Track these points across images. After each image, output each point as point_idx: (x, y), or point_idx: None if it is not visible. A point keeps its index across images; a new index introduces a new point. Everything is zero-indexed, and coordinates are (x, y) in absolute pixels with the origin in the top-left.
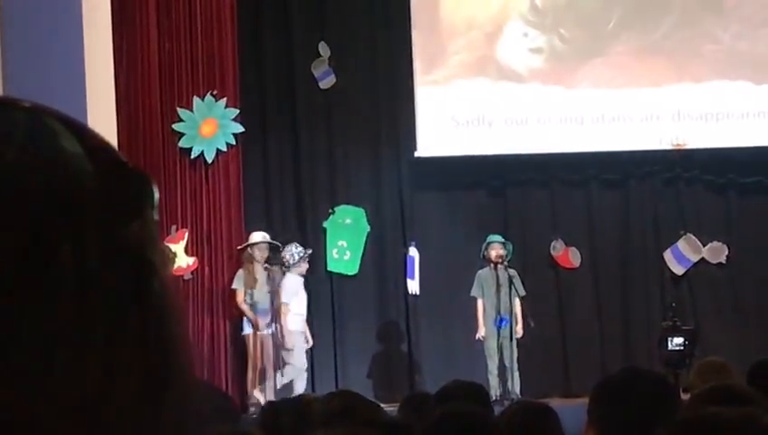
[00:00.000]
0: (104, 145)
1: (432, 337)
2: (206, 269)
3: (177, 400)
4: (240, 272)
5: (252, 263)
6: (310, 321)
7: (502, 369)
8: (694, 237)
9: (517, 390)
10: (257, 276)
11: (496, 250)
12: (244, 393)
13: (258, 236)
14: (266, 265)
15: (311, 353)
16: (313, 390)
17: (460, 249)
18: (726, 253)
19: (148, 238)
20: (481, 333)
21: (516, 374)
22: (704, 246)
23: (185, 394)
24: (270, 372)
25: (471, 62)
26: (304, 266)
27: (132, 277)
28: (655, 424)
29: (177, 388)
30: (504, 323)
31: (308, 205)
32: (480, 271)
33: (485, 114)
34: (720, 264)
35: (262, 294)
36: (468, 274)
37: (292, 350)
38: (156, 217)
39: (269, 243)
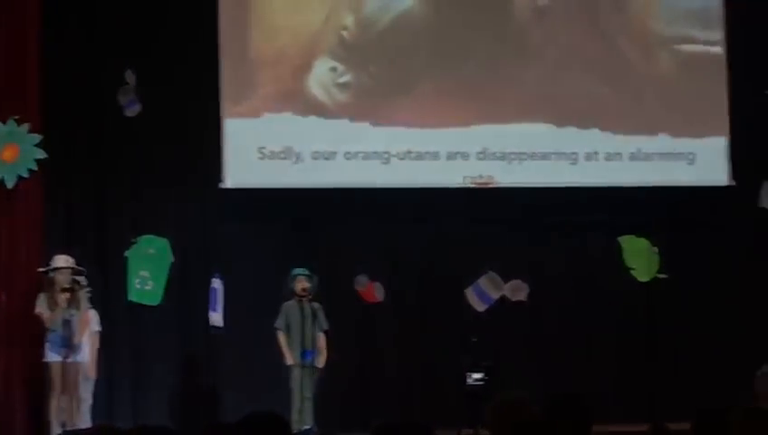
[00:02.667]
0: None
1: (236, 369)
2: (3, 296)
3: None
4: (41, 296)
5: (53, 287)
6: (108, 351)
7: (304, 400)
8: (495, 275)
9: (310, 422)
10: (59, 301)
11: (302, 283)
12: (44, 422)
13: (61, 261)
14: (67, 291)
15: (109, 384)
16: (111, 421)
17: (266, 281)
18: (527, 291)
19: None
20: (289, 361)
21: (310, 405)
22: (505, 283)
23: None
24: (71, 401)
25: (279, 95)
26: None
27: None
28: None
29: None
30: (308, 356)
31: (111, 234)
32: (285, 303)
33: (293, 147)
34: (520, 301)
35: (60, 320)
36: (274, 306)
37: (92, 380)
38: None
39: (72, 268)
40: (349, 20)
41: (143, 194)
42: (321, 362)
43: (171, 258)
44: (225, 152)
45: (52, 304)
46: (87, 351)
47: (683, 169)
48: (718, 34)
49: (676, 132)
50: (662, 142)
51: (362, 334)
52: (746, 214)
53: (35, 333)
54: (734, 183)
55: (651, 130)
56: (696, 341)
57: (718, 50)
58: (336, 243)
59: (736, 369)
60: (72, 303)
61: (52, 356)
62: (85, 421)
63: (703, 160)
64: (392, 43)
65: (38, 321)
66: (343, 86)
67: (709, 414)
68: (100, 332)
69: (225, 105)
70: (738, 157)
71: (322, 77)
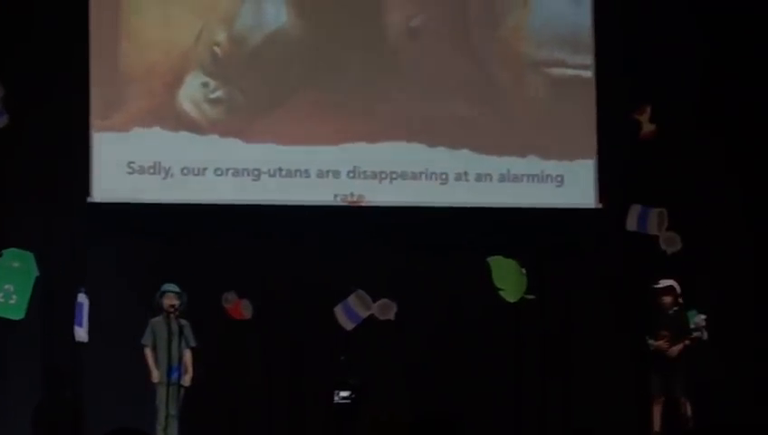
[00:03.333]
0: None
1: (102, 384)
2: None
3: None
4: None
5: None
6: None
7: (168, 417)
8: (364, 293)
9: None
10: None
11: (170, 300)
12: None
13: None
14: None
15: None
16: None
17: (134, 297)
18: (395, 310)
19: None
20: (155, 378)
21: (175, 423)
22: (374, 302)
23: None
24: None
25: (149, 110)
26: None
27: None
28: None
29: None
30: (174, 372)
31: None
32: (153, 319)
33: (162, 162)
34: (389, 320)
35: None
36: (142, 322)
37: None
38: None
39: None
40: (221, 36)
41: (8, 207)
42: (186, 380)
43: (36, 272)
44: (93, 166)
45: None
46: None
47: (551, 190)
48: (588, 59)
49: (546, 155)
50: (531, 164)
51: (229, 352)
52: (614, 236)
53: None
54: (601, 206)
55: (521, 152)
56: (563, 361)
57: (588, 74)
58: (205, 259)
59: (603, 389)
60: None
61: None
62: None
63: (571, 183)
64: (265, 59)
65: None
66: (215, 102)
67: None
68: None
69: (94, 119)
70: (606, 180)
71: (194, 92)
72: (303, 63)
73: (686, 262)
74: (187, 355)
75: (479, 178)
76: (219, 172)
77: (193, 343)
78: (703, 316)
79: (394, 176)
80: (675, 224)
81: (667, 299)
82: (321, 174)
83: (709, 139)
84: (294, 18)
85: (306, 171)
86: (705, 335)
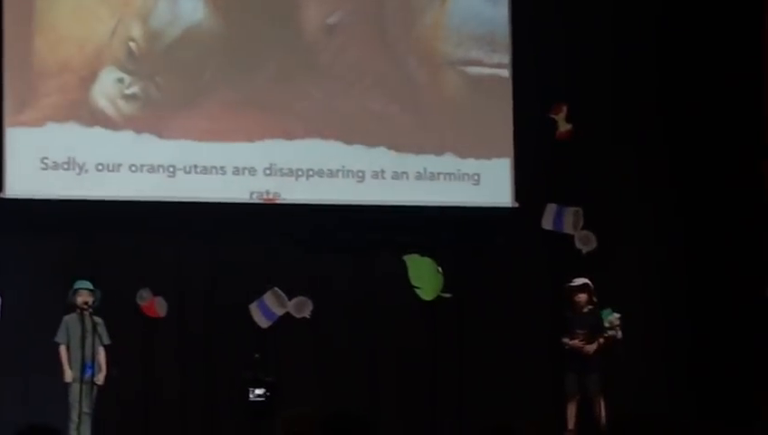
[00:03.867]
0: None
1: (12, 383)
2: None
3: None
4: None
5: None
6: None
7: (82, 415)
8: (280, 291)
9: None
10: None
11: (83, 297)
12: None
13: None
14: None
15: None
16: None
17: (47, 294)
18: (311, 308)
19: None
20: (68, 377)
21: (88, 420)
22: (289, 300)
23: None
24: None
25: (63, 105)
26: None
27: None
28: None
29: None
30: (88, 370)
31: None
32: (66, 317)
33: (76, 158)
34: (305, 318)
35: None
36: (54, 319)
37: None
38: None
39: None
40: (136, 31)
41: None
42: (100, 378)
43: None
44: (6, 162)
45: None
46: None
47: (468, 189)
48: (505, 58)
49: (463, 153)
50: (448, 162)
51: (143, 350)
52: (530, 235)
53: None
54: (517, 205)
55: (438, 151)
56: (479, 359)
57: (505, 73)
58: (119, 256)
59: (518, 387)
60: None
61: None
62: None
63: (488, 181)
64: (181, 55)
65: None
66: (130, 98)
67: (493, 432)
68: None
69: (8, 114)
70: (522, 179)
71: (109, 88)
72: (220, 59)
73: (600, 261)
74: (101, 353)
75: (396, 175)
76: (134, 169)
77: (107, 341)
78: (617, 315)
79: (311, 173)
80: (590, 223)
81: (582, 297)
82: (236, 171)
83: (624, 139)
84: (211, 14)
85: (222, 168)
86: (620, 334)
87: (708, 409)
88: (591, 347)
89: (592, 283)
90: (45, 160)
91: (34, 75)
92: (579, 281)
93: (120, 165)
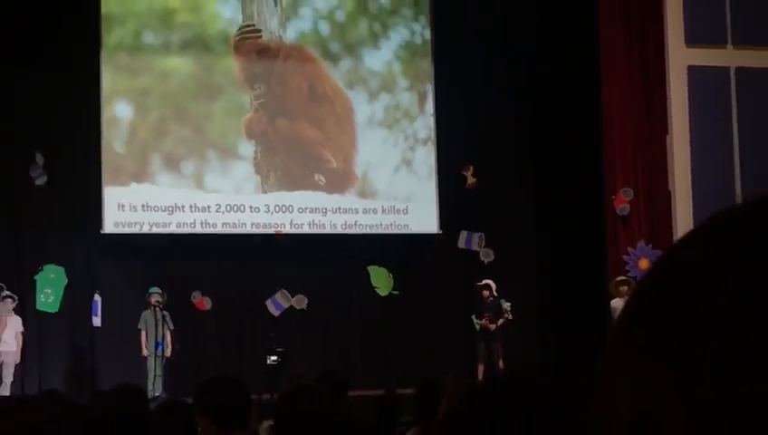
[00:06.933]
0: None
1: (109, 355)
2: None
3: None
4: None
5: None
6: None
7: (156, 377)
8: (286, 291)
9: (159, 390)
10: None
11: (155, 297)
12: None
13: None
14: None
15: (24, 363)
16: (24, 386)
17: (131, 296)
18: (307, 302)
19: None
20: (145, 352)
21: (160, 380)
22: (292, 297)
23: None
24: None
25: (140, 171)
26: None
27: None
28: None
29: None
30: (159, 346)
31: (23, 264)
32: (144, 311)
33: (149, 203)
34: (302, 309)
35: None
36: (136, 313)
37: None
38: None
39: None
40: None
41: (48, 236)
42: (168, 352)
43: (66, 280)
44: (104, 208)
45: None
46: (12, 344)
47: (409, 220)
48: (432, 134)
49: (405, 198)
50: (395, 204)
51: (196, 332)
52: (449, 251)
53: None
54: (441, 231)
55: (388, 197)
56: (417, 334)
57: (431, 146)
58: (179, 270)
59: (444, 353)
60: None
61: None
62: (5, 392)
63: (421, 216)
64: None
65: None
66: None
67: (427, 382)
68: (22, 332)
69: (105, 178)
70: (443, 213)
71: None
72: None
73: (497, 267)
74: (168, 335)
75: (365, 211)
76: (188, 210)
77: (172, 327)
78: (509, 303)
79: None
80: (490, 242)
81: (486, 292)
82: (254, 210)
83: (514, 186)
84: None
85: (242, 207)
86: (511, 316)
87: (568, 368)
88: (493, 325)
89: (493, 282)
90: (129, 207)
91: (121, 154)
92: (484, 281)
93: (179, 207)
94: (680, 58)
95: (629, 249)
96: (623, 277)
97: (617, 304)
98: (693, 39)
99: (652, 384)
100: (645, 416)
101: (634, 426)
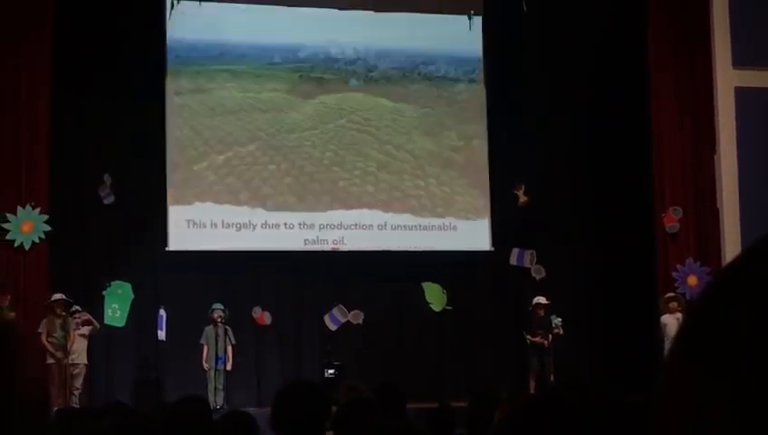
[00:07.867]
0: None
1: (173, 368)
2: (23, 320)
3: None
4: (44, 320)
5: (54, 313)
6: (95, 352)
7: (216, 389)
8: (343, 307)
9: (221, 402)
10: (56, 323)
11: (217, 313)
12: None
13: (57, 296)
14: (63, 315)
15: (93, 369)
16: (93, 393)
17: (194, 311)
18: (363, 317)
19: None
20: (205, 366)
21: (222, 393)
22: (349, 312)
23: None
24: (60, 390)
25: (203, 192)
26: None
27: None
28: None
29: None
30: (220, 361)
31: (91, 280)
32: (206, 327)
33: (212, 221)
34: (359, 324)
35: (59, 336)
36: (199, 328)
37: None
38: None
39: (65, 300)
40: None
41: (115, 253)
42: (229, 366)
43: (132, 296)
44: (169, 227)
45: (51, 326)
46: (83, 356)
47: (463, 238)
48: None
49: (461, 215)
50: (452, 221)
51: (257, 346)
52: (502, 268)
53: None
54: (493, 249)
55: (444, 214)
56: (471, 348)
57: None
58: (241, 286)
59: (497, 367)
60: (64, 325)
61: (50, 360)
62: (75, 403)
63: (475, 234)
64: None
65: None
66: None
67: (483, 396)
68: (95, 327)
69: (169, 197)
70: (496, 232)
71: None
72: None
73: (548, 284)
74: (230, 349)
75: (421, 228)
76: (248, 228)
77: (233, 341)
78: (559, 319)
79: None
80: (541, 260)
81: (539, 309)
82: (322, 227)
83: (565, 205)
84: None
85: (304, 225)
86: (562, 331)
87: (618, 382)
88: (546, 340)
89: (545, 298)
90: (192, 224)
91: (185, 175)
92: (539, 299)
93: (241, 225)
94: (727, 80)
95: (678, 266)
96: (672, 294)
97: (666, 319)
98: (740, 61)
99: (715, 399)
100: (706, 431)
101: None
